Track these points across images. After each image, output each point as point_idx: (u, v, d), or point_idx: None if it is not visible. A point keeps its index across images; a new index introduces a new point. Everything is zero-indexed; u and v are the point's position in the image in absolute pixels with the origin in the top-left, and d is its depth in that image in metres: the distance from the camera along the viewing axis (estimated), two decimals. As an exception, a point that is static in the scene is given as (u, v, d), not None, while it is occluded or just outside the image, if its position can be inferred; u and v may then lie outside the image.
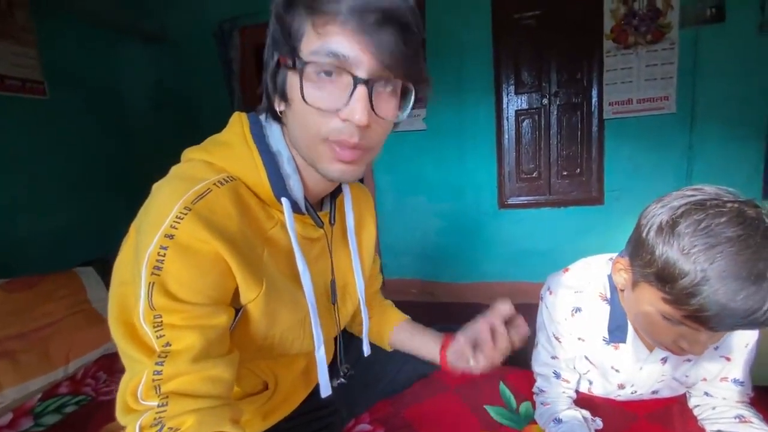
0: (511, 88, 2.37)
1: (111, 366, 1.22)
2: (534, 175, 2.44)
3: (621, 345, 0.72)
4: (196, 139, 0.57)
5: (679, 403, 0.80)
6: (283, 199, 0.53)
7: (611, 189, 2.30)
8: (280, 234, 0.55)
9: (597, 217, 2.32)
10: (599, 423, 0.76)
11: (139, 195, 0.51)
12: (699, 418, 0.75)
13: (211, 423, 0.43)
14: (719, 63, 2.03)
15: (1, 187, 1.84)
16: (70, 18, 2.18)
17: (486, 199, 2.51)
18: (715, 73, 2.04)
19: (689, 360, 0.72)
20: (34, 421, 0.98)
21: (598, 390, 0.84)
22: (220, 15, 2.58)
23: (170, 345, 0.43)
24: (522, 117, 2.39)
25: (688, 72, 2.06)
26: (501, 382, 0.91)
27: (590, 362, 0.78)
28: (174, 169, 0.53)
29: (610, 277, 0.72)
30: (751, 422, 0.68)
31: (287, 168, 0.54)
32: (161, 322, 0.43)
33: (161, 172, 0.53)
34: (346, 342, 0.78)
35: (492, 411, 0.83)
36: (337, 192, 0.65)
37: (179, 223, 0.43)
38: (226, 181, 0.49)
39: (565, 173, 2.38)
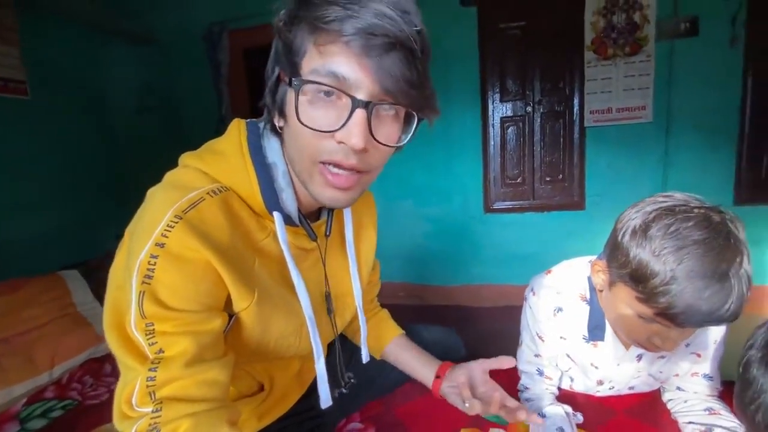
0: (497, 96, 2.43)
1: (97, 370, 1.20)
2: (518, 180, 2.50)
3: (600, 343, 0.76)
4: (182, 142, 0.56)
5: (654, 398, 0.85)
6: (275, 214, 0.53)
7: (592, 194, 2.38)
8: (273, 244, 0.55)
9: (578, 222, 2.39)
10: (580, 417, 0.80)
11: (125, 198, 0.51)
12: (672, 411, 0.80)
13: (208, 426, 0.44)
14: (693, 75, 2.12)
15: (-19, 189, 1.80)
16: (55, 18, 2.14)
17: (472, 204, 2.56)
18: (690, 84, 2.13)
19: (663, 357, 0.76)
20: (20, 426, 0.96)
21: (579, 387, 0.87)
22: (209, 18, 2.57)
23: (163, 351, 0.43)
24: (507, 124, 2.45)
25: (664, 83, 2.15)
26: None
27: (571, 360, 0.81)
28: (168, 176, 0.53)
29: (589, 279, 0.76)
30: (720, 414, 0.73)
31: (281, 181, 0.53)
32: (153, 330, 0.43)
33: (147, 175, 0.53)
34: (341, 346, 0.78)
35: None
36: None
37: (170, 231, 0.44)
38: (219, 191, 0.49)
39: (548, 179, 2.45)
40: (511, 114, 2.43)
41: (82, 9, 2.19)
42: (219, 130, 0.58)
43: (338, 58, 0.42)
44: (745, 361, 0.53)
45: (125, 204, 0.50)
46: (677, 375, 0.79)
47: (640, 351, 0.75)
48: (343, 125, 0.44)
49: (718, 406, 0.74)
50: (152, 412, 0.42)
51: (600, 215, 2.34)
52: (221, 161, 0.53)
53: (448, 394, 0.75)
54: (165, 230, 0.44)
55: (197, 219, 0.46)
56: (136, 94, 2.67)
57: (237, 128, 0.56)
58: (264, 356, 0.60)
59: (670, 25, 2.09)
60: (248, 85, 2.70)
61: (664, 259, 0.56)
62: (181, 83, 2.73)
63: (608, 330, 0.75)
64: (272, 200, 0.53)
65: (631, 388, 0.85)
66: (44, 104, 2.06)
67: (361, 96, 0.44)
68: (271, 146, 0.54)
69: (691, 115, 2.16)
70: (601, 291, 0.73)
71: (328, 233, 0.64)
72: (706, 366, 0.76)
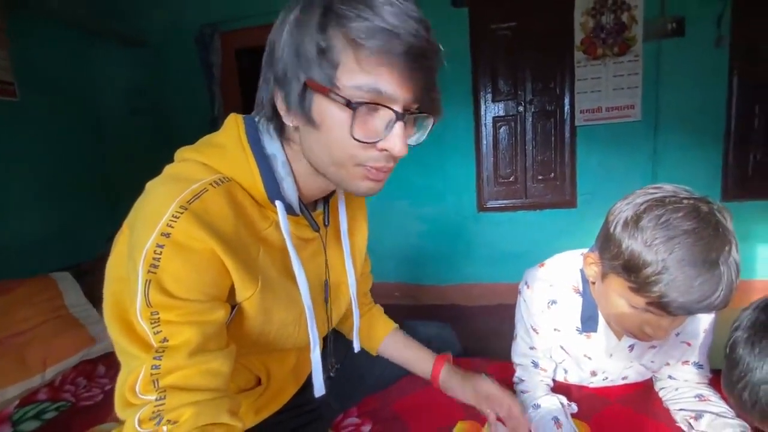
0: (489, 96, 2.45)
1: (91, 371, 1.19)
2: (511, 179, 2.52)
3: (593, 334, 0.77)
4: (174, 144, 0.57)
5: (647, 387, 0.86)
6: (277, 202, 0.54)
7: (583, 192, 2.41)
8: (275, 234, 0.56)
9: (570, 220, 2.42)
10: (575, 407, 0.81)
11: (116, 200, 0.51)
12: (664, 399, 0.81)
13: (209, 415, 0.45)
14: (680, 74, 2.17)
15: (-30, 191, 1.78)
16: (44, 20, 2.12)
17: (466, 203, 2.58)
18: (677, 83, 2.18)
19: (654, 347, 0.78)
20: (13, 428, 0.95)
21: (573, 378, 0.89)
22: (201, 20, 2.57)
23: (168, 340, 0.44)
24: (499, 124, 2.48)
25: (652, 82, 2.20)
26: (483, 374, 0.95)
27: (565, 351, 0.83)
28: (168, 169, 0.54)
29: (582, 271, 0.77)
30: (710, 400, 0.74)
31: (281, 171, 0.55)
32: (158, 318, 0.44)
33: (138, 177, 0.54)
34: (334, 339, 0.80)
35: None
36: (330, 194, 0.66)
37: (175, 221, 0.44)
38: (222, 182, 0.50)
39: (540, 177, 2.48)
40: (503, 114, 2.45)
41: (71, 10, 2.17)
42: (211, 132, 0.58)
43: (385, 77, 0.45)
44: (731, 342, 0.55)
45: (116, 206, 0.50)
46: (668, 364, 0.80)
47: (632, 341, 0.77)
48: (386, 135, 0.47)
49: (707, 392, 0.76)
50: (156, 399, 0.43)
51: (591, 213, 2.37)
52: (221, 153, 0.53)
53: (448, 387, 0.77)
54: (170, 221, 0.44)
55: (202, 209, 0.46)
56: (126, 96, 2.65)
57: (235, 122, 0.56)
58: (264, 347, 0.60)
59: (657, 25, 2.13)
60: (240, 85, 2.70)
61: (655, 249, 0.57)
62: (172, 85, 2.72)
63: (601, 321, 0.76)
64: (274, 190, 0.54)
65: (624, 378, 0.86)
66: (33, 106, 2.04)
67: (397, 107, 0.47)
68: (269, 137, 0.55)
69: (678, 113, 2.20)
70: (593, 283, 0.74)
71: (327, 223, 0.66)
72: (696, 354, 0.78)
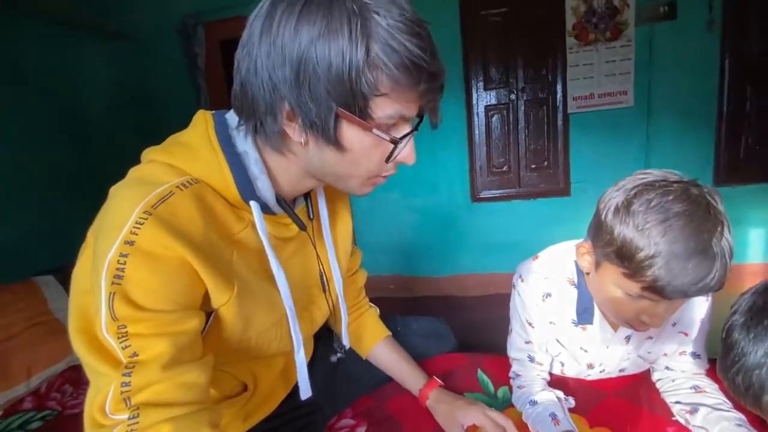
0: (480, 84, 2.42)
1: (77, 378, 1.16)
2: (504, 168, 2.50)
3: (588, 326, 0.76)
4: (159, 140, 0.54)
5: (644, 379, 0.85)
6: (252, 203, 0.52)
7: (577, 180, 2.40)
8: (252, 235, 0.53)
9: (564, 208, 2.41)
10: (572, 402, 0.80)
11: (99, 200, 0.48)
12: (661, 390, 0.80)
13: (188, 430, 0.42)
14: (672, 59, 2.15)
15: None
16: (21, 13, 2.04)
17: (459, 194, 2.56)
18: (669, 68, 2.16)
19: (651, 338, 0.77)
20: (-4, 440, 0.93)
21: (570, 371, 0.88)
22: (184, 10, 2.49)
23: (138, 355, 0.42)
24: (491, 112, 2.45)
25: (644, 67, 2.17)
26: (479, 370, 0.93)
27: (561, 345, 0.81)
28: (132, 171, 0.51)
29: (576, 263, 0.75)
30: (705, 391, 0.73)
31: (254, 169, 0.52)
32: (126, 332, 0.41)
33: (122, 175, 0.51)
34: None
35: (471, 398, 0.85)
36: None
37: (140, 228, 0.42)
38: (190, 184, 0.47)
39: (533, 166, 2.46)
40: (495, 102, 2.42)
41: (48, 3, 2.09)
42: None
43: (410, 105, 0.47)
44: (728, 326, 0.55)
45: (100, 206, 0.47)
46: (665, 355, 0.79)
47: (629, 333, 0.75)
48: (402, 149, 0.50)
49: (704, 383, 0.75)
50: (128, 419, 0.40)
51: (585, 201, 2.36)
52: (190, 153, 0.50)
53: (434, 413, 0.79)
54: (134, 227, 0.42)
55: (168, 214, 0.44)
56: (109, 91, 2.58)
57: (203, 119, 0.53)
58: (246, 354, 0.58)
59: (649, 8, 2.11)
60: (226, 78, 2.64)
61: (647, 233, 0.56)
62: (156, 79, 2.66)
63: (596, 313, 0.75)
64: (247, 190, 0.51)
65: (621, 370, 0.85)
66: (10, 104, 1.97)
67: (412, 123, 0.50)
68: (240, 135, 0.52)
69: (670, 98, 2.19)
70: (587, 273, 0.72)
71: (311, 216, 0.64)
72: (693, 344, 0.77)
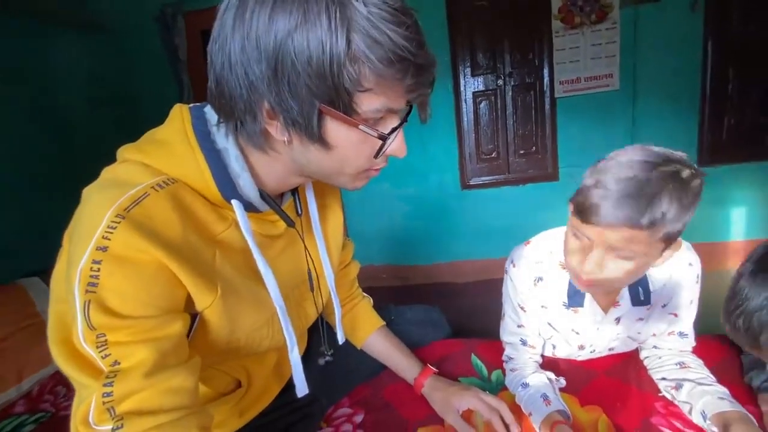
0: (468, 71, 2.40)
1: (70, 379, 1.15)
2: (493, 155, 2.51)
3: (579, 309, 0.77)
4: (143, 135, 0.52)
5: (632, 357, 0.87)
6: (234, 202, 0.50)
7: (565, 165, 2.41)
8: (235, 235, 0.52)
9: (553, 193, 2.43)
10: (563, 382, 0.82)
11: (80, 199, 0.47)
12: (648, 368, 0.83)
13: None
14: (657, 41, 2.15)
15: None
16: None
17: (449, 181, 2.56)
18: (654, 50, 2.16)
19: (641, 320, 0.78)
20: (-10, 445, 0.91)
21: (562, 353, 0.89)
22: (161, 0, 2.41)
23: (119, 363, 0.40)
24: (479, 98, 2.44)
25: (629, 50, 2.18)
26: (473, 354, 0.95)
27: (553, 328, 0.83)
28: (106, 172, 0.48)
29: None
30: (690, 367, 0.76)
31: (236, 167, 0.49)
32: (106, 341, 0.40)
33: None
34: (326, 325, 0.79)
35: (465, 382, 0.86)
36: None
37: (112, 233, 0.40)
38: (166, 184, 0.45)
39: (522, 152, 2.47)
40: (483, 88, 2.41)
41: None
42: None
43: (398, 98, 0.45)
44: (736, 274, 0.57)
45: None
46: (654, 335, 0.81)
47: (618, 314, 0.77)
48: (391, 142, 0.49)
49: (688, 359, 0.77)
50: (113, 429, 0.39)
51: (574, 186, 2.32)
52: (165, 151, 0.48)
53: (429, 400, 0.79)
54: (106, 232, 0.40)
55: (142, 216, 0.42)
56: (88, 87, 2.50)
57: (179, 114, 0.51)
58: (236, 353, 0.57)
59: (633, -10, 2.10)
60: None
61: (597, 172, 0.59)
62: (136, 73, 2.58)
63: (587, 296, 0.76)
64: (228, 188, 0.49)
65: (610, 349, 0.87)
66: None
67: (401, 115, 0.48)
68: (219, 130, 0.50)
69: (655, 81, 2.20)
70: None
71: (299, 212, 0.63)
72: (681, 325, 0.78)
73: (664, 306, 0.77)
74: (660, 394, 0.77)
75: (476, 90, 2.42)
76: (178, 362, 0.45)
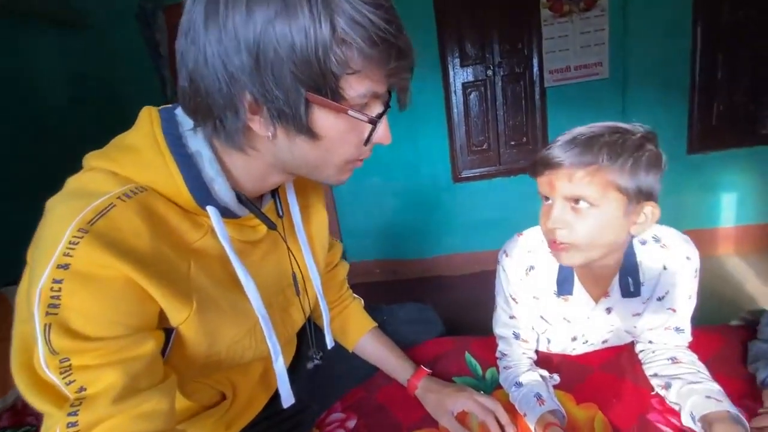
0: (457, 61, 2.37)
1: (56, 390, 1.12)
2: (484, 147, 2.49)
3: (570, 297, 0.76)
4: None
5: (627, 351, 0.87)
6: (209, 208, 0.47)
7: (556, 155, 2.40)
8: (212, 242, 0.49)
9: (545, 183, 2.42)
10: (557, 378, 0.81)
11: None
12: (642, 362, 0.82)
13: None
14: (646, 27, 2.13)
15: None
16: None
17: (440, 174, 2.54)
18: (643, 37, 2.15)
19: (638, 314, 0.77)
20: (-29, 463, 0.88)
21: (556, 347, 0.88)
22: (140, -6, 2.34)
23: (85, 389, 0.38)
24: (469, 90, 2.41)
25: (619, 38, 2.16)
26: (466, 353, 0.94)
27: (546, 321, 0.82)
28: (70, 182, 0.46)
29: None
30: (681, 362, 0.74)
31: (209, 171, 0.47)
32: (69, 365, 0.37)
33: None
34: (315, 326, 0.76)
35: (460, 381, 0.85)
36: None
37: (74, 249, 0.37)
38: (134, 193, 0.42)
39: (512, 143, 2.45)
40: (473, 79, 2.38)
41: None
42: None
43: (382, 82, 0.44)
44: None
45: None
46: (650, 329, 0.80)
47: (609, 304, 0.76)
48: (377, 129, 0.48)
49: (681, 354, 0.76)
50: None
51: (564, 175, 2.37)
52: (134, 157, 0.45)
53: (423, 402, 0.78)
54: (67, 249, 0.37)
55: (108, 228, 0.39)
56: (67, 86, 2.42)
57: (148, 117, 0.48)
58: (218, 367, 0.55)
59: (621, -24, 2.07)
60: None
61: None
62: (118, 70, 2.51)
63: (576, 284, 0.75)
64: (202, 193, 0.46)
65: (604, 341, 0.86)
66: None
67: (384, 101, 0.47)
68: (191, 133, 0.47)
69: (644, 68, 2.19)
70: None
71: (281, 214, 0.61)
72: (678, 319, 0.77)
73: (660, 299, 0.75)
74: (654, 392, 0.76)
75: (465, 81, 2.39)
76: (151, 384, 0.42)
